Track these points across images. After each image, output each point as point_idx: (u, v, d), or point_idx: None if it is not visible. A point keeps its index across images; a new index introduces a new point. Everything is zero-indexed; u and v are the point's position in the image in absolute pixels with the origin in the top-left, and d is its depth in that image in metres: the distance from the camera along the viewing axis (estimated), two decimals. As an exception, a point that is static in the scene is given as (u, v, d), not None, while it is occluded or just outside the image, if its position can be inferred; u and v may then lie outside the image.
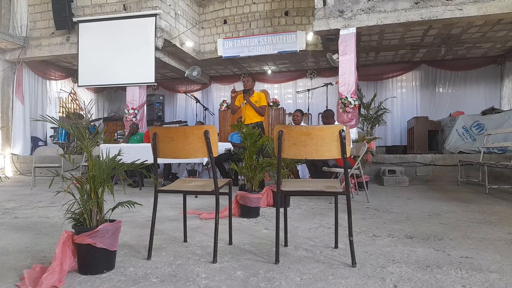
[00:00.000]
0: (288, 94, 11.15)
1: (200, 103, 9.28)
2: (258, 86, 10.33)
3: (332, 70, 9.18)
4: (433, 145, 8.35)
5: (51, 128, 9.85)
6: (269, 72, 10.80)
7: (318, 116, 9.45)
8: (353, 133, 6.70)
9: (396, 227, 3.03)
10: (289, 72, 10.98)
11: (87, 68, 8.53)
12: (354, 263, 2.03)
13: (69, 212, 2.00)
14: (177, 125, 9.33)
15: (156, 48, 8.02)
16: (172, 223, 3.22)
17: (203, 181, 2.60)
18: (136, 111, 8.37)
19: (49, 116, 2.19)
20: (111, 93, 12.41)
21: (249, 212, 3.46)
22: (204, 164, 5.58)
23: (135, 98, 8.43)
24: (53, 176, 2.09)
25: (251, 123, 5.35)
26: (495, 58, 9.41)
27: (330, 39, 7.28)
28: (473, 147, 7.08)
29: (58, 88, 10.63)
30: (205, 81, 11.36)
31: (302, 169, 6.42)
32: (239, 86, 10.88)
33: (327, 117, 5.42)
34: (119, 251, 2.25)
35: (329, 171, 4.71)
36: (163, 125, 8.76)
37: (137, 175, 5.98)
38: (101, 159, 2.05)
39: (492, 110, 7.57)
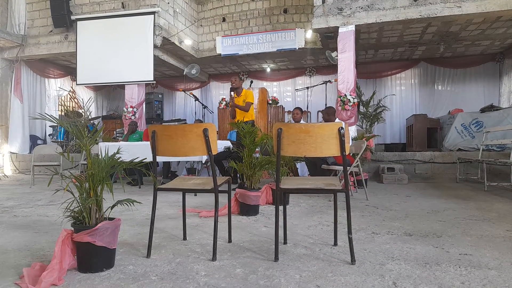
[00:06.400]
0: (287, 92, 11.14)
1: (199, 101, 9.26)
2: (257, 84, 10.32)
3: (331, 67, 9.18)
4: (432, 142, 8.35)
5: (50, 126, 9.84)
6: (268, 70, 10.79)
7: (317, 114, 9.45)
8: (352, 131, 6.70)
9: (395, 224, 3.04)
10: (288, 70, 10.97)
11: (86, 66, 8.51)
12: (353, 261, 2.03)
13: (68, 210, 2.00)
14: (176, 123, 9.32)
15: (155, 46, 8.01)
16: (172, 221, 3.22)
17: (202, 179, 2.60)
18: (135, 109, 8.36)
19: (48, 115, 2.18)
20: (110, 91, 12.39)
21: (248, 210, 3.46)
22: (203, 162, 5.58)
23: (134, 96, 8.42)
24: (52, 175, 2.09)
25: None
26: (494, 55, 9.40)
27: (329, 37, 7.28)
28: (472, 145, 7.09)
29: (57, 86, 10.62)
30: (204, 79, 11.35)
31: (302, 167, 6.43)
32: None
33: (329, 114, 5.40)
34: (119, 249, 2.25)
35: (328, 168, 4.71)
36: (162, 124, 8.74)
37: (136, 173, 5.98)
38: (100, 157, 2.05)
39: (491, 108, 7.57)
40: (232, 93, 5.56)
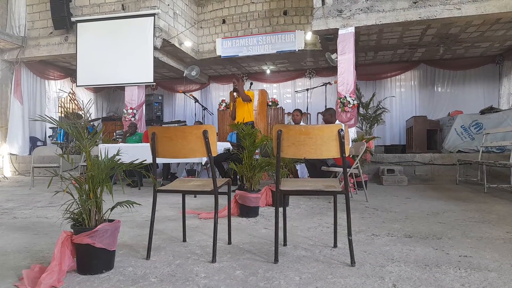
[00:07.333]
0: (287, 93, 11.15)
1: (199, 102, 9.28)
2: (257, 86, 10.33)
3: (331, 69, 9.19)
4: (432, 144, 8.36)
5: (49, 128, 9.83)
6: (268, 71, 10.80)
7: (317, 115, 9.45)
8: (352, 133, 6.71)
9: (395, 226, 3.04)
10: (288, 72, 10.98)
11: (86, 68, 8.52)
12: (353, 262, 2.03)
13: (68, 212, 2.00)
14: (176, 125, 9.32)
15: (155, 48, 8.02)
16: (171, 223, 3.22)
17: (202, 180, 2.60)
18: (134, 111, 8.37)
19: (47, 116, 2.18)
20: (110, 93, 12.40)
21: (248, 211, 3.46)
22: (203, 163, 5.58)
23: (133, 98, 8.42)
24: (51, 176, 2.09)
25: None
26: (494, 57, 9.42)
27: (329, 39, 7.29)
28: (471, 146, 7.09)
29: (57, 88, 10.62)
30: (204, 81, 11.35)
31: (301, 168, 6.43)
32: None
33: (331, 115, 5.38)
34: (118, 251, 2.25)
35: (328, 170, 4.71)
36: (162, 125, 8.75)
37: (136, 175, 5.97)
38: (100, 159, 2.05)
39: (490, 109, 7.58)
40: (235, 94, 5.58)
